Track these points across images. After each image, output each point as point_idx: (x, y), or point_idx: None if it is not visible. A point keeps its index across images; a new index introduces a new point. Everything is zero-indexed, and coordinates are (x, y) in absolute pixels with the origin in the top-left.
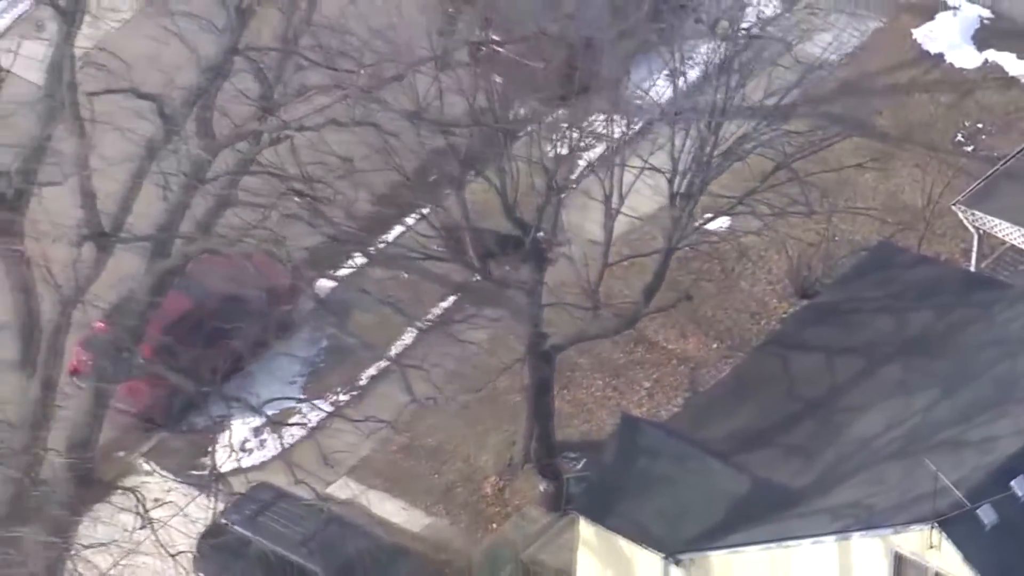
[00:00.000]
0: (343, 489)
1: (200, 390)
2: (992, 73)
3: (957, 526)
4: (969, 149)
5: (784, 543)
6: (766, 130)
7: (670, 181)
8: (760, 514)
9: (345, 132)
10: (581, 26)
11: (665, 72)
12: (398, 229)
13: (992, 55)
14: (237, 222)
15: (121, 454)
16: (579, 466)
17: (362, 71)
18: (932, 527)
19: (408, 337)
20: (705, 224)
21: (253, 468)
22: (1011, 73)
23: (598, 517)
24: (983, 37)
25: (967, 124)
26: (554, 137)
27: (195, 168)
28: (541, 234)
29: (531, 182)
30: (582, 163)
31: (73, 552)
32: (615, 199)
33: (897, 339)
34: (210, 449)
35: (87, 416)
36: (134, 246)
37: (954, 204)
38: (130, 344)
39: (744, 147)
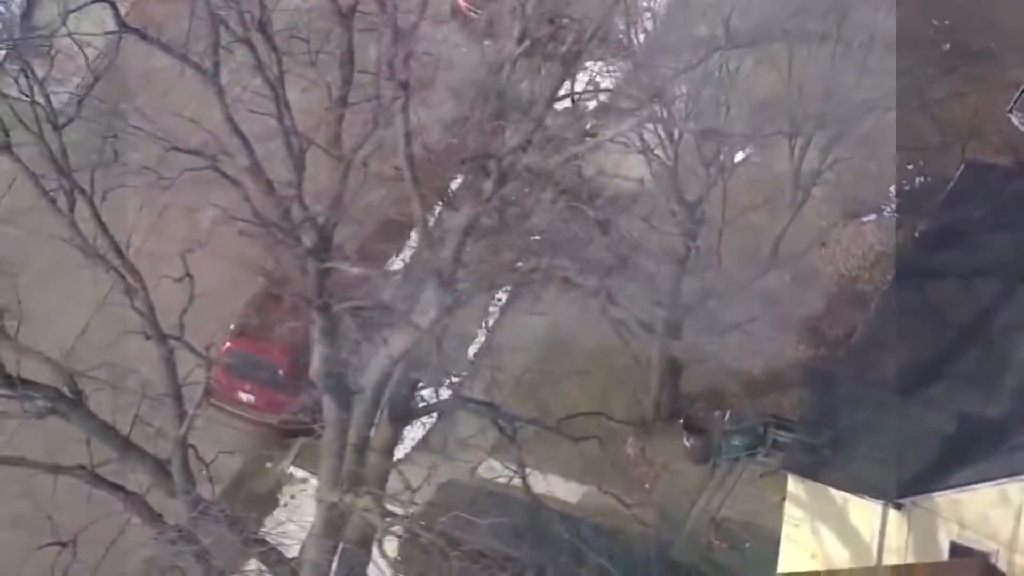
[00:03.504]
0: (491, 472)
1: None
2: None
3: None
4: (947, 47)
5: (1019, 477)
6: None
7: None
8: (975, 449)
9: None
10: None
11: None
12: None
13: None
14: None
15: (269, 465)
16: (726, 418)
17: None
18: None
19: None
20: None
21: (399, 462)
22: None
23: (809, 473)
24: None
25: (935, 23)
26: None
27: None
28: None
29: None
30: None
31: None
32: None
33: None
34: None
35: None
36: None
37: (1009, 111)
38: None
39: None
